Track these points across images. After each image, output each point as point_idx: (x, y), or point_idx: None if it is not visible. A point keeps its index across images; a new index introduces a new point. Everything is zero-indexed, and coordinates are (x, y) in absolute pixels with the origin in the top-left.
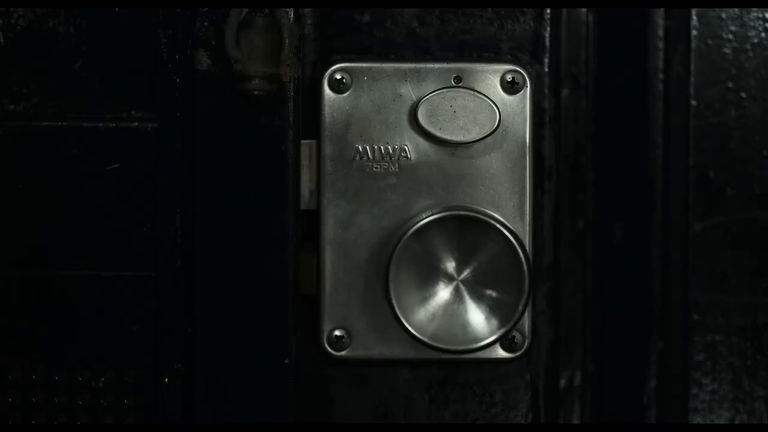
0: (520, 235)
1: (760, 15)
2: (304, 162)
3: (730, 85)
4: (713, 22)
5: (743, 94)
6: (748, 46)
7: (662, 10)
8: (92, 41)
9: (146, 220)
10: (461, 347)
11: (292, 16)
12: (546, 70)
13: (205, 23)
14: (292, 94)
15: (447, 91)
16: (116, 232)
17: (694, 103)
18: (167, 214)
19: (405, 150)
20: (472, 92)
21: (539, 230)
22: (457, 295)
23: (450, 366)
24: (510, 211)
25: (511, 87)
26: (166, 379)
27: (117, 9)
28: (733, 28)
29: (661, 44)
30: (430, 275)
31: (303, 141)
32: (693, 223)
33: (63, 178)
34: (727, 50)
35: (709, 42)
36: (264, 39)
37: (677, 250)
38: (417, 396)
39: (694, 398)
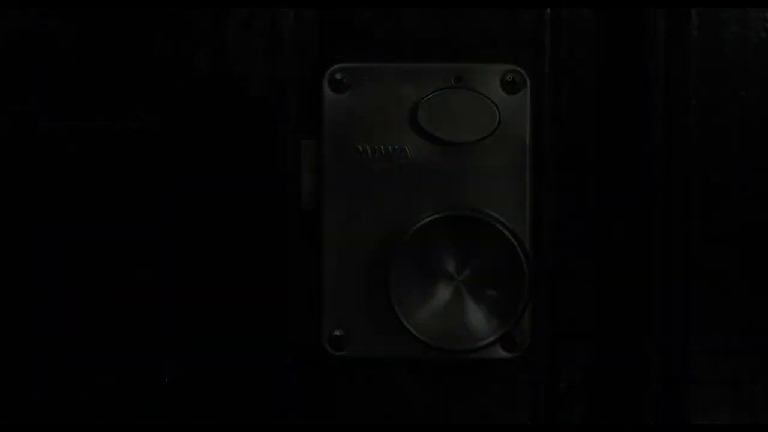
0: (520, 235)
1: (760, 15)
2: (304, 162)
3: (730, 85)
4: (713, 22)
5: (743, 94)
6: (748, 46)
7: (662, 10)
8: (91, 41)
9: (146, 220)
10: (461, 347)
11: (292, 16)
12: (546, 70)
13: (205, 23)
14: (292, 94)
15: (447, 92)
16: (116, 232)
17: (694, 103)
18: (167, 214)
19: (405, 150)
20: (472, 92)
21: (539, 230)
22: (457, 295)
23: (450, 366)
24: (510, 211)
25: (511, 87)
26: (166, 379)
27: (116, 9)
28: (733, 28)
29: (661, 44)
30: (430, 275)
31: (303, 141)
32: (693, 223)
33: (63, 178)
34: (727, 50)
35: (709, 42)
36: (264, 39)
37: (677, 250)
38: (417, 396)
39: (694, 398)
